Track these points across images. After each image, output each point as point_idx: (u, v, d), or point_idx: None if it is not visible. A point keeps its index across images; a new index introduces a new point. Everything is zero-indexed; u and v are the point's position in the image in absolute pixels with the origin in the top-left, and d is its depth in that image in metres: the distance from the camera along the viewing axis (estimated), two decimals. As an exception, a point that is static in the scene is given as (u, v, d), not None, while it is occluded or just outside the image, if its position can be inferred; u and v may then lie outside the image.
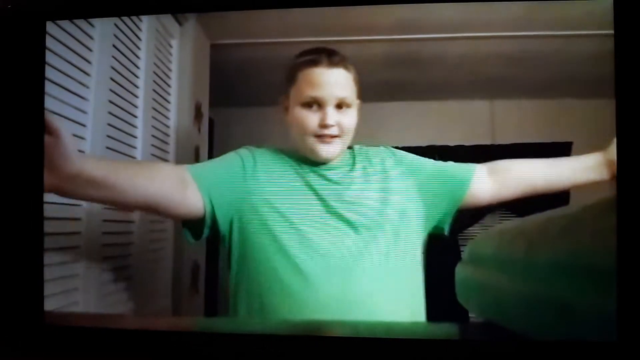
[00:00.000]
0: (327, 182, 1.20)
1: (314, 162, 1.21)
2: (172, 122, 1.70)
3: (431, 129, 1.94)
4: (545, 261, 0.63)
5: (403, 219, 1.19)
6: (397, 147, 1.61)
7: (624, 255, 0.65)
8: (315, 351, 0.90)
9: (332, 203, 1.17)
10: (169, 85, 1.69)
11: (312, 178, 1.20)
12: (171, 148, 1.68)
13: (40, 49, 1.01)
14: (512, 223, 0.81)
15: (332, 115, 1.17)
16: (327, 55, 1.19)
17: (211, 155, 1.88)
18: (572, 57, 2.12)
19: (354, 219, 1.16)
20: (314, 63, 1.19)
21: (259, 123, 1.91)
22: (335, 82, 1.18)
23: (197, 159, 1.79)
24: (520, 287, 0.68)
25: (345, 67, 1.20)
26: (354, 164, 1.25)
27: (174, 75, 1.73)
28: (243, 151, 1.23)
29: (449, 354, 0.85)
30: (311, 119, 1.18)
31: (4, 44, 1.00)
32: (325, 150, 1.19)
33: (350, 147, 1.27)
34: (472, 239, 1.10)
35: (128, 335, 0.99)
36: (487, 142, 2.00)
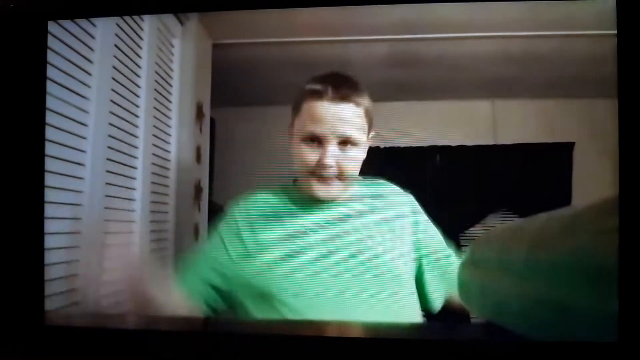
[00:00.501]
0: (324, 226, 1.13)
1: (313, 201, 1.14)
2: (173, 122, 1.70)
3: (433, 129, 1.93)
4: (547, 262, 0.63)
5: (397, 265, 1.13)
6: (399, 148, 1.61)
7: (625, 256, 0.64)
8: (316, 351, 0.90)
9: (331, 248, 1.10)
10: (170, 85, 1.70)
11: (308, 224, 1.13)
12: (172, 148, 1.68)
13: (41, 49, 1.01)
14: (514, 223, 0.80)
15: (332, 154, 1.09)
16: (334, 87, 1.09)
17: (212, 155, 1.88)
18: (574, 57, 2.12)
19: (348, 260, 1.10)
20: (318, 95, 1.08)
21: (260, 123, 1.91)
22: (339, 118, 1.08)
23: (198, 158, 1.79)
24: (521, 287, 0.68)
25: (355, 101, 1.10)
26: (362, 199, 1.18)
27: (175, 74, 1.73)
28: (224, 224, 1.17)
29: (450, 354, 0.85)
30: (310, 155, 1.10)
31: (5, 43, 1.00)
32: (323, 190, 1.11)
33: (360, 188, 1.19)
34: (473, 239, 1.10)
35: (128, 335, 0.99)
36: (489, 142, 2.00)
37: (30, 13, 1.01)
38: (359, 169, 1.16)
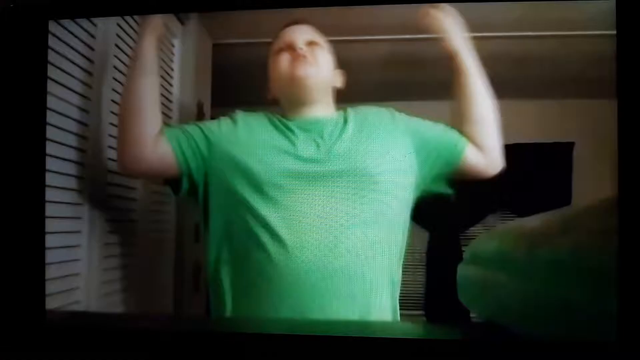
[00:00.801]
0: (311, 141, 1.18)
1: (300, 119, 1.23)
2: (174, 122, 1.70)
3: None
4: (547, 261, 0.63)
5: (395, 177, 1.18)
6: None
7: (625, 256, 0.65)
8: (314, 350, 0.90)
9: (316, 167, 1.14)
10: (171, 85, 1.70)
11: (297, 136, 1.19)
12: (173, 147, 1.68)
13: (42, 48, 1.01)
14: (514, 223, 0.81)
15: (301, 39, 1.24)
16: (298, 20, 1.29)
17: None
18: (574, 58, 2.12)
19: (339, 180, 1.14)
20: (284, 27, 1.29)
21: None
22: (304, 30, 1.27)
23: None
24: (521, 287, 0.68)
25: (319, 32, 1.29)
26: (345, 121, 1.23)
27: (176, 74, 1.74)
28: (225, 117, 1.27)
29: (450, 353, 0.85)
30: (284, 56, 1.24)
31: (6, 42, 1.00)
32: (300, 69, 1.21)
33: (344, 110, 1.28)
34: (473, 239, 1.10)
35: (129, 335, 0.99)
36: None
37: (31, 12, 1.01)
38: (331, 72, 1.29)
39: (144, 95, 1.16)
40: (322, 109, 1.26)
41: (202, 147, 1.18)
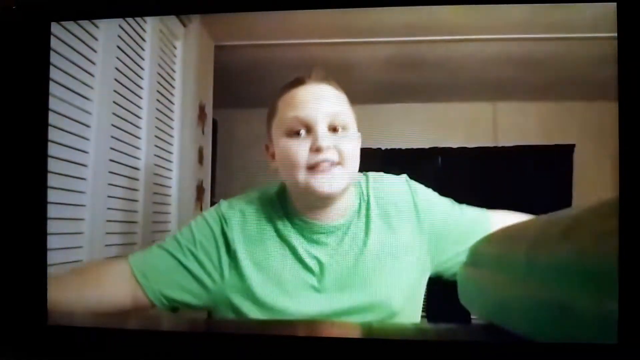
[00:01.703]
0: (319, 248, 1.00)
1: (306, 221, 1.00)
2: (175, 123, 1.70)
3: (434, 130, 1.94)
4: (547, 263, 0.63)
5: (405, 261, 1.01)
6: (400, 149, 1.61)
7: (626, 258, 0.65)
8: (315, 352, 0.90)
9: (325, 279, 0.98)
10: (173, 87, 1.70)
11: (298, 243, 1.00)
12: (175, 149, 1.69)
13: (44, 50, 1.02)
14: (514, 225, 0.81)
15: (325, 135, 0.94)
16: (308, 73, 0.99)
17: (214, 156, 1.89)
18: (575, 60, 2.12)
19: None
20: (295, 83, 0.99)
21: (262, 124, 1.91)
22: (322, 97, 0.97)
23: (200, 159, 1.79)
24: (522, 289, 0.68)
25: (336, 86, 1.00)
26: (360, 208, 1.03)
27: (177, 76, 1.74)
28: (210, 217, 1.02)
29: (451, 355, 0.85)
30: (300, 146, 0.95)
31: (8, 44, 1.00)
32: (325, 184, 0.94)
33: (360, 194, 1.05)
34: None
35: (131, 335, 0.99)
36: (490, 144, 2.00)
37: (33, 14, 1.01)
38: (358, 161, 1.00)
39: None
40: (342, 204, 1.01)
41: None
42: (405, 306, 1.01)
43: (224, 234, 1.00)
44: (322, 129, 0.94)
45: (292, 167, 0.96)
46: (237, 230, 1.00)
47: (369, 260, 0.99)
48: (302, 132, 0.95)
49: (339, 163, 0.95)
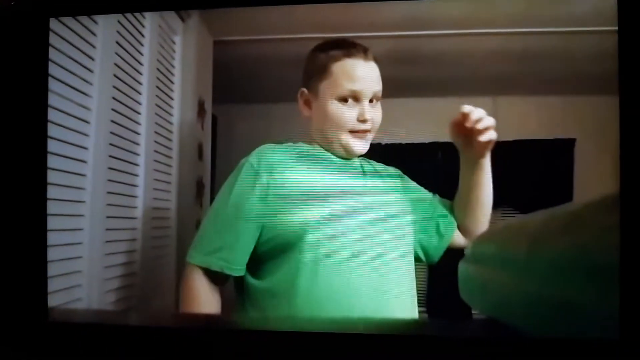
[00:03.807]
0: (349, 177, 1.19)
1: (333, 159, 1.20)
2: (175, 119, 1.70)
3: (434, 125, 1.93)
4: (548, 258, 0.63)
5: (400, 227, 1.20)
6: (400, 144, 1.61)
7: (627, 253, 0.65)
8: (319, 347, 0.90)
9: (359, 202, 1.16)
10: (172, 82, 1.70)
11: (336, 174, 1.19)
12: (174, 145, 1.69)
13: (43, 46, 1.01)
14: (515, 220, 0.81)
15: (369, 110, 1.15)
16: (363, 49, 1.17)
17: (214, 152, 1.88)
18: (575, 54, 2.11)
19: (372, 217, 1.15)
20: (351, 55, 1.16)
21: (262, 120, 1.91)
22: (372, 75, 1.17)
23: (200, 155, 1.79)
24: (522, 284, 0.68)
25: (376, 61, 1.19)
26: (363, 169, 1.24)
27: (177, 72, 1.73)
28: (248, 168, 1.15)
29: (452, 350, 0.85)
30: (348, 113, 1.15)
31: (7, 40, 1.00)
32: (360, 145, 1.18)
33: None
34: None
35: (132, 332, 0.99)
36: (490, 138, 1.99)
37: (31, 10, 1.01)
38: None
39: None
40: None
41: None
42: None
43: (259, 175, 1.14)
44: (367, 102, 1.15)
45: (336, 128, 1.16)
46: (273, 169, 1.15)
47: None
48: (351, 101, 1.15)
49: (370, 131, 1.18)
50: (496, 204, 1.33)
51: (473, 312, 1.16)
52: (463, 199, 1.28)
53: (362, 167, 1.24)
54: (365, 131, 1.17)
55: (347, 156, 1.20)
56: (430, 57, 1.84)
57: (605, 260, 0.56)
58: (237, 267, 1.13)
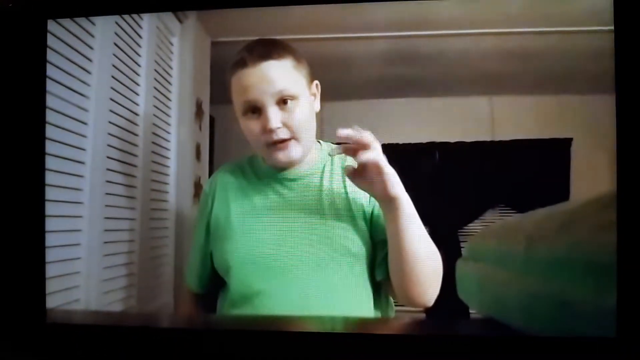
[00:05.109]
0: (286, 192, 1.09)
1: (276, 170, 1.10)
2: (173, 120, 1.70)
3: (431, 125, 1.94)
4: (545, 257, 0.63)
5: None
6: (397, 144, 1.61)
7: (623, 251, 0.65)
8: (315, 347, 0.90)
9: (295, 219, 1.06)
10: (169, 83, 1.70)
11: (271, 191, 1.10)
12: (172, 145, 1.68)
13: (41, 47, 1.02)
14: (512, 219, 0.81)
15: (274, 116, 1.01)
16: (249, 52, 1.03)
17: (212, 153, 1.88)
18: (571, 53, 2.12)
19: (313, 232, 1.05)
20: (239, 64, 1.03)
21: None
22: (265, 77, 1.01)
23: (198, 156, 1.79)
24: (520, 282, 0.68)
25: (275, 57, 1.02)
26: (323, 167, 1.12)
27: (174, 72, 1.73)
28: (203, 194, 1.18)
29: (450, 349, 0.85)
30: (255, 126, 1.03)
31: (5, 42, 1.00)
32: (282, 156, 1.05)
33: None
34: (472, 235, 1.10)
35: (130, 333, 0.99)
36: (487, 138, 2.00)
37: (29, 12, 1.01)
38: (314, 124, 1.10)
39: None
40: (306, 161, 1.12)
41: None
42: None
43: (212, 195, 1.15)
44: (271, 109, 1.01)
45: (252, 143, 1.07)
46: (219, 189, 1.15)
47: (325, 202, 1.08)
48: (253, 114, 1.04)
49: (292, 138, 1.04)
50: (494, 203, 1.33)
51: (471, 311, 1.17)
52: (390, 253, 1.03)
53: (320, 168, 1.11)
54: (283, 141, 1.03)
55: (284, 166, 1.09)
56: (426, 58, 1.85)
57: (602, 258, 0.56)
58: (197, 286, 1.21)
